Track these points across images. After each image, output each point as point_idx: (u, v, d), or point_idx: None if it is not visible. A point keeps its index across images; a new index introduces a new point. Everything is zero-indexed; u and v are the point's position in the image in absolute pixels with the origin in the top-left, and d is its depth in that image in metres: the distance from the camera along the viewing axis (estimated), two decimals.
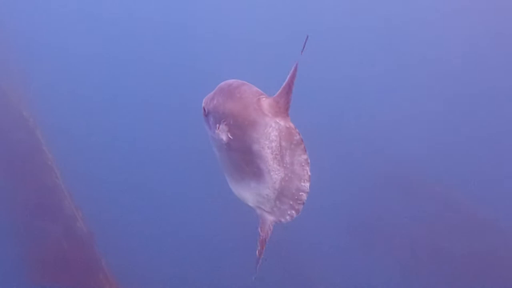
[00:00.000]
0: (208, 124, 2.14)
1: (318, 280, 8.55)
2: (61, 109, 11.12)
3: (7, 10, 14.68)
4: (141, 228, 8.78)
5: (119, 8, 17.64)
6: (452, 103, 14.42)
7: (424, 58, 16.51)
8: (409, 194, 10.04)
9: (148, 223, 8.93)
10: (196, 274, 8.24)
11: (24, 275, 7.37)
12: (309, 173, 1.93)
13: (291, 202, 1.98)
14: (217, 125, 2.05)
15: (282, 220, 2.04)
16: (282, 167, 1.94)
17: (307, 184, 1.94)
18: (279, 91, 1.93)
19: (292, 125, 1.93)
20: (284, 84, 1.90)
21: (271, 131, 1.93)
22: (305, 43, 1.87)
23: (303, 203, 1.97)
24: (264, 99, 1.97)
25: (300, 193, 1.95)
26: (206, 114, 2.13)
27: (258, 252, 2.09)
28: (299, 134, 1.92)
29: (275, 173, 1.96)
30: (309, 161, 1.92)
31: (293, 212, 2.00)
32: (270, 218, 2.06)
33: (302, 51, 1.84)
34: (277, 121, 1.92)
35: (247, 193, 2.09)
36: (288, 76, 1.86)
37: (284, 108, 1.91)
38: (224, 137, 2.02)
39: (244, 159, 2.01)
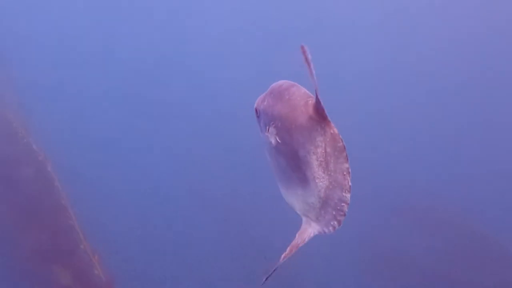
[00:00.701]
0: (260, 127, 2.09)
1: None
2: (74, 143, 10.39)
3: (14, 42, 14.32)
4: (168, 274, 7.89)
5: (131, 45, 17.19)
6: (468, 127, 14.20)
7: (428, 90, 16.12)
8: (423, 223, 9.72)
9: (177, 268, 8.05)
10: None
11: None
12: (350, 183, 1.88)
13: (334, 213, 1.92)
14: (267, 127, 2.01)
15: (326, 230, 1.97)
16: (327, 175, 1.89)
17: (348, 195, 1.88)
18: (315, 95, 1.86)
19: (336, 130, 1.86)
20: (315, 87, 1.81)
21: (316, 136, 1.87)
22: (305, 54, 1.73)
23: (345, 215, 1.91)
24: (311, 102, 1.90)
25: (342, 204, 1.89)
26: (258, 116, 2.08)
27: (284, 256, 2.00)
28: (342, 140, 1.85)
29: (320, 181, 1.90)
30: (350, 170, 1.86)
31: (335, 223, 1.93)
32: (315, 227, 2.00)
33: (306, 61, 1.73)
34: (322, 126, 1.86)
35: (295, 200, 2.04)
36: (312, 79, 1.75)
37: (325, 112, 1.84)
38: (272, 140, 1.98)
39: (290, 164, 1.97)
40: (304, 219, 2.06)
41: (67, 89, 13.46)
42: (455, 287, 8.38)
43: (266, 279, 2.06)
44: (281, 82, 2.03)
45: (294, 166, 1.96)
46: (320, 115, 1.86)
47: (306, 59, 1.73)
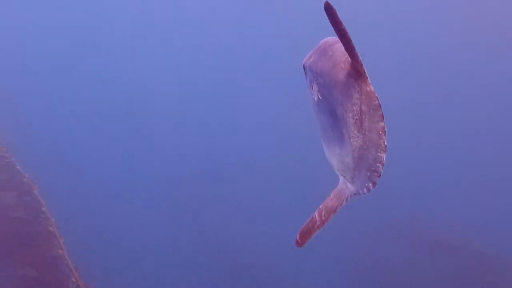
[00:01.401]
0: (307, 84, 2.10)
1: None
2: (62, 164, 9.64)
3: None
4: None
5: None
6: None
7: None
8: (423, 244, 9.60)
9: None
10: None
11: None
12: (386, 142, 1.81)
13: (368, 173, 1.87)
14: (312, 84, 2.02)
15: (360, 192, 1.91)
16: (362, 134, 1.85)
17: (384, 156, 1.82)
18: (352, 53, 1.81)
19: (372, 88, 1.81)
20: (347, 45, 1.77)
21: (353, 94, 1.83)
22: None
23: (380, 175, 1.85)
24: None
25: (377, 165, 1.83)
26: (306, 73, 2.08)
27: (324, 220, 1.95)
28: (378, 99, 1.80)
29: (354, 140, 1.87)
30: (386, 129, 1.80)
31: (370, 184, 1.87)
32: (351, 188, 1.96)
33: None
34: (359, 82, 1.82)
35: (334, 159, 2.01)
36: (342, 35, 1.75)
37: (362, 69, 1.80)
38: (315, 97, 1.99)
39: (330, 122, 1.96)
40: (341, 179, 2.06)
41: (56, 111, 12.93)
42: None
43: (301, 244, 1.98)
44: (327, 38, 2.03)
45: (333, 123, 1.96)
46: (357, 71, 1.83)
47: (333, 15, 1.71)
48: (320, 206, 2.02)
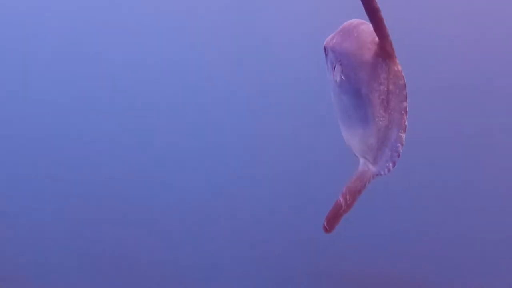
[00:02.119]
0: (327, 65, 1.98)
1: None
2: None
3: None
4: None
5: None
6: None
7: None
8: None
9: None
10: None
11: None
12: (406, 122, 1.74)
13: (389, 154, 1.80)
14: (334, 65, 1.92)
15: (382, 172, 1.80)
16: (387, 114, 1.79)
17: (404, 136, 1.75)
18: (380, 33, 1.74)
19: (400, 68, 1.71)
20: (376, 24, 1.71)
21: (381, 73, 1.77)
22: None
23: (399, 156, 1.75)
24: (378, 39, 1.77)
25: (398, 145, 1.75)
26: (326, 55, 1.96)
27: (349, 204, 1.89)
28: (403, 78, 1.72)
29: (379, 120, 1.82)
30: (407, 109, 1.73)
31: (390, 164, 1.78)
32: (372, 169, 1.86)
33: None
34: (387, 62, 1.74)
35: (355, 141, 1.92)
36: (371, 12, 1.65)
37: (392, 49, 1.72)
38: (337, 78, 1.90)
39: (353, 103, 1.87)
40: (361, 161, 2.00)
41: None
42: None
43: (329, 230, 1.91)
44: (352, 20, 1.94)
45: (357, 104, 1.92)
46: (385, 51, 1.78)
47: None
48: (343, 190, 1.97)
